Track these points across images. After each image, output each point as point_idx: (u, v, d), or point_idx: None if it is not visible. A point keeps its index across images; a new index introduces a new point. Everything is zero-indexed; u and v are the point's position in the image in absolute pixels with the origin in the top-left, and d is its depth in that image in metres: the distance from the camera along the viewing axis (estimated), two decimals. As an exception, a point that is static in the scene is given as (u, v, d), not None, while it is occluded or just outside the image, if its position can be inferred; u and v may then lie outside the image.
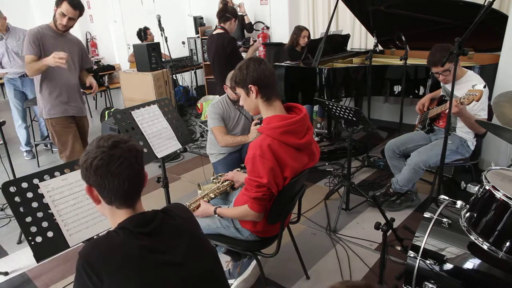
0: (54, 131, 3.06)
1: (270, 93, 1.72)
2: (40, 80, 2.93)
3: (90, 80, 3.18)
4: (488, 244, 1.48)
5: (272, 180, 1.66)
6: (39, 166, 4.34)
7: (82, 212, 1.65)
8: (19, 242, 2.89)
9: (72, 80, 3.05)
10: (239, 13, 4.99)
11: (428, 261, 1.61)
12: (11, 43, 4.16)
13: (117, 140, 1.10)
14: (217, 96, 3.55)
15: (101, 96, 6.76)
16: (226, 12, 3.70)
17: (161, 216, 1.15)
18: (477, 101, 2.32)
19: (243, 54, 4.39)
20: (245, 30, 5.72)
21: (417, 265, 1.63)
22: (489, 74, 3.27)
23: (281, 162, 1.67)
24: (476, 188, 1.63)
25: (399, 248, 1.89)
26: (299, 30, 4.48)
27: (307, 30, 4.53)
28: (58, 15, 2.79)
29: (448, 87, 2.51)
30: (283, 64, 3.96)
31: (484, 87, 2.46)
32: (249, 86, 1.70)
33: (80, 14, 2.86)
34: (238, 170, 2.31)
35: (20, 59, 4.24)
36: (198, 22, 6.40)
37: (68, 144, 3.06)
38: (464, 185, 1.79)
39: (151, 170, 3.89)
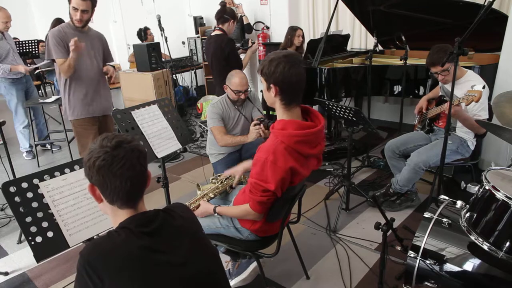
0: (76, 132, 3.06)
1: (291, 99, 1.64)
2: (65, 81, 2.93)
3: (106, 67, 3.12)
4: (488, 244, 1.48)
5: (280, 187, 1.65)
6: (39, 166, 4.33)
7: (82, 212, 1.65)
8: (19, 242, 2.89)
9: (96, 78, 3.04)
10: (238, 14, 4.98)
11: (428, 261, 1.61)
12: (12, 44, 4.19)
13: (121, 140, 1.10)
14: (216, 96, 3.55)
15: (101, 96, 6.76)
16: (225, 14, 3.69)
17: (162, 216, 1.15)
18: (476, 101, 2.32)
19: (242, 56, 4.39)
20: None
21: (417, 265, 1.63)
22: (489, 74, 3.27)
23: (292, 169, 1.64)
24: (476, 188, 1.63)
25: (399, 248, 1.89)
26: (293, 30, 4.47)
27: (301, 29, 4.53)
28: (71, 11, 2.78)
29: (448, 87, 2.51)
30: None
31: (483, 87, 2.46)
32: (271, 84, 1.62)
33: (93, 5, 2.82)
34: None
35: (20, 58, 4.25)
36: (198, 22, 6.40)
37: (88, 146, 3.00)
38: (464, 185, 1.79)
39: (151, 170, 3.87)
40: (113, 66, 3.22)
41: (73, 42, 2.70)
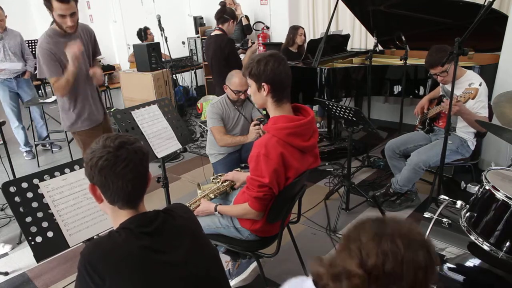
0: (81, 140, 2.78)
1: (282, 95, 1.69)
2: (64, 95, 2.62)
3: (93, 70, 2.68)
4: (488, 244, 1.48)
5: (274, 180, 1.66)
6: (39, 166, 4.33)
7: (82, 212, 1.65)
8: (19, 242, 2.89)
9: (91, 83, 2.73)
10: (238, 15, 4.98)
11: (428, 261, 1.61)
12: (9, 42, 4.17)
13: (124, 141, 1.10)
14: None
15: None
16: (224, 14, 3.70)
17: (162, 216, 1.15)
18: (473, 99, 2.33)
19: (242, 56, 4.39)
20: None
21: (417, 265, 1.63)
22: (489, 74, 3.27)
23: (285, 163, 1.67)
24: (476, 188, 1.63)
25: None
26: (294, 29, 4.49)
27: (303, 28, 4.54)
28: (59, 19, 2.38)
29: (448, 87, 2.51)
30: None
31: (480, 84, 2.47)
32: (262, 83, 1.66)
33: (76, 2, 2.42)
34: (237, 170, 2.31)
35: (17, 58, 4.23)
36: (198, 22, 6.40)
37: None
38: (464, 185, 1.79)
39: (151, 170, 3.87)
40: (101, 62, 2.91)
41: (74, 52, 2.38)
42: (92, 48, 2.76)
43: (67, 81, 2.48)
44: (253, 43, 3.99)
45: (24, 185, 1.57)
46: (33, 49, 5.94)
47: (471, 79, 2.64)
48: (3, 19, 4.06)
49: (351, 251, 0.79)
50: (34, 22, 8.13)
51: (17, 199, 1.54)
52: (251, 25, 5.75)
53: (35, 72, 4.56)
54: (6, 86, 4.25)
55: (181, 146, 2.47)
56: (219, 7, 4.24)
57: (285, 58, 1.71)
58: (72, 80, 2.48)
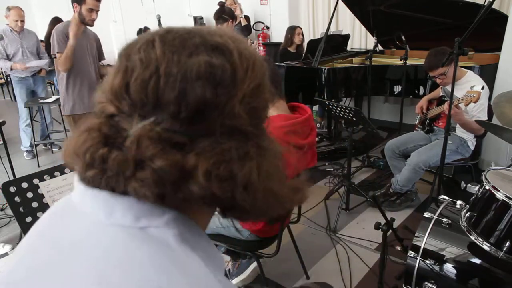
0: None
1: (273, 93, 1.71)
2: (68, 77, 3.03)
3: (107, 70, 3.22)
4: (488, 244, 1.48)
5: None
6: (39, 166, 4.33)
7: (82, 212, 1.65)
8: (19, 242, 2.89)
9: (93, 76, 3.15)
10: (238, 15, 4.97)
11: (428, 261, 1.61)
12: (27, 42, 4.20)
13: None
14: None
15: (101, 96, 6.76)
16: (223, 14, 3.70)
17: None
18: (475, 102, 2.33)
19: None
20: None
21: (417, 265, 1.63)
22: (489, 74, 3.28)
23: (283, 161, 1.67)
24: (476, 188, 1.64)
25: (399, 248, 1.89)
26: (292, 29, 4.50)
27: (300, 28, 4.55)
28: (86, 12, 2.88)
29: (448, 88, 2.51)
30: (283, 64, 3.96)
31: (482, 88, 2.47)
32: None
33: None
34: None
35: (34, 58, 4.27)
36: (198, 22, 6.39)
37: None
38: (464, 185, 1.79)
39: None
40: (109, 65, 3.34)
41: (74, 27, 2.83)
42: (97, 52, 3.22)
43: (66, 55, 2.90)
44: (252, 43, 3.99)
45: (24, 185, 1.57)
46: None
47: (471, 81, 2.64)
48: (23, 19, 4.10)
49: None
50: (34, 22, 8.13)
51: (17, 199, 1.54)
52: (251, 25, 5.75)
53: (49, 69, 4.63)
54: (23, 84, 4.29)
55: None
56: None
57: (268, 57, 1.72)
58: (70, 55, 2.89)
